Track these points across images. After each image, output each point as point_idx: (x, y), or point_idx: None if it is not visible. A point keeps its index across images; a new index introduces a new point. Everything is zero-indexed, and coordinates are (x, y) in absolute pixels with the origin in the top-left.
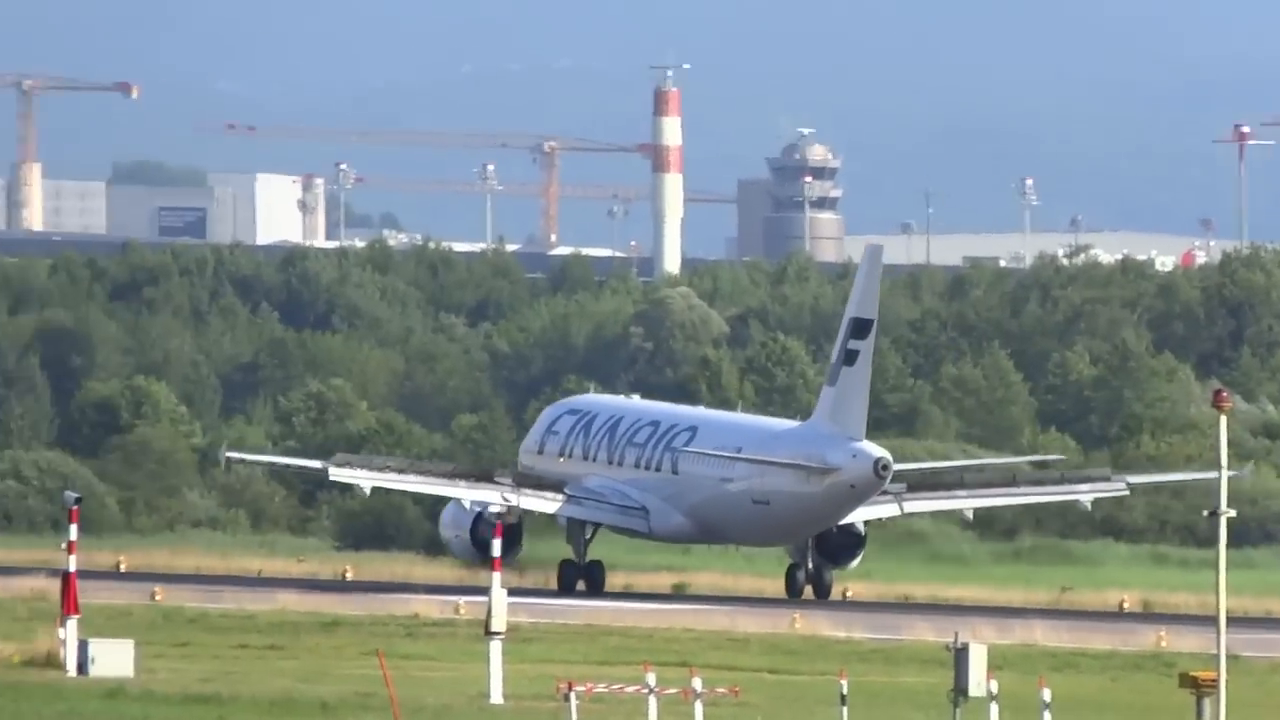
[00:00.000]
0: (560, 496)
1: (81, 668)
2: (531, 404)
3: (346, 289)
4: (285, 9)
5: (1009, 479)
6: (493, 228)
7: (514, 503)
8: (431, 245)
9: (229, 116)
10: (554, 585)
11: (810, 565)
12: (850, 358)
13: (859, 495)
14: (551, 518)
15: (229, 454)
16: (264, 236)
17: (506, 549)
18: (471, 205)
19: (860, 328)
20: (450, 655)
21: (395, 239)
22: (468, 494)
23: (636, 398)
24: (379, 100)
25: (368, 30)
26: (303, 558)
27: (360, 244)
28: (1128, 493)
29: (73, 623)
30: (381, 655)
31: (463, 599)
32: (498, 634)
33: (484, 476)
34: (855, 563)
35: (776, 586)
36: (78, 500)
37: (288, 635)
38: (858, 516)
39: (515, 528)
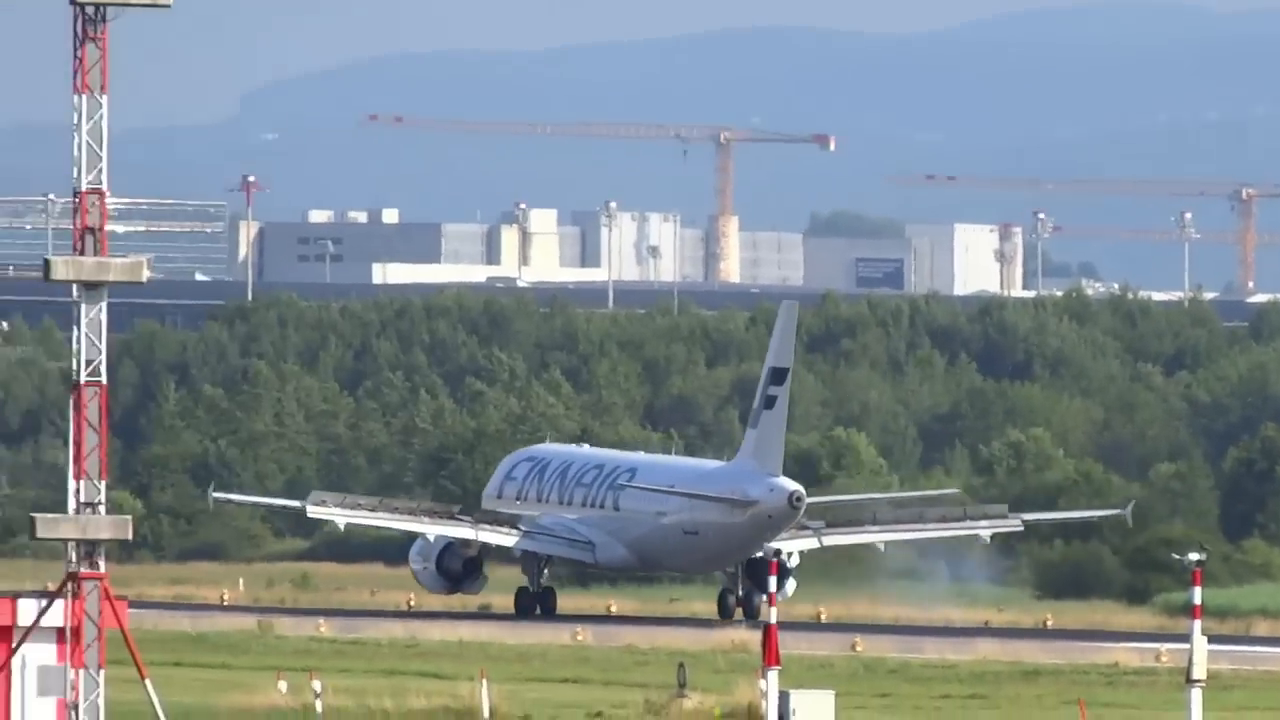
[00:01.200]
0: (516, 532)
1: (783, 719)
2: (1230, 452)
3: (1045, 338)
4: (974, 61)
5: (917, 515)
6: (1190, 276)
7: (474, 538)
8: (1129, 294)
9: (926, 167)
10: (511, 609)
11: (740, 592)
12: (770, 402)
13: (776, 525)
14: (515, 551)
15: (215, 494)
16: (961, 286)
17: (470, 578)
18: (1169, 254)
19: (777, 376)
20: (1150, 704)
21: (1092, 288)
22: (432, 529)
23: (586, 446)
24: (1076, 149)
25: (1041, 81)
26: (1002, 608)
27: (1058, 293)
28: (1021, 528)
29: (773, 674)
30: (1082, 705)
31: (1164, 646)
32: (1199, 682)
33: (446, 514)
34: (785, 593)
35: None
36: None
37: (989, 685)
38: (784, 548)
39: (476, 560)
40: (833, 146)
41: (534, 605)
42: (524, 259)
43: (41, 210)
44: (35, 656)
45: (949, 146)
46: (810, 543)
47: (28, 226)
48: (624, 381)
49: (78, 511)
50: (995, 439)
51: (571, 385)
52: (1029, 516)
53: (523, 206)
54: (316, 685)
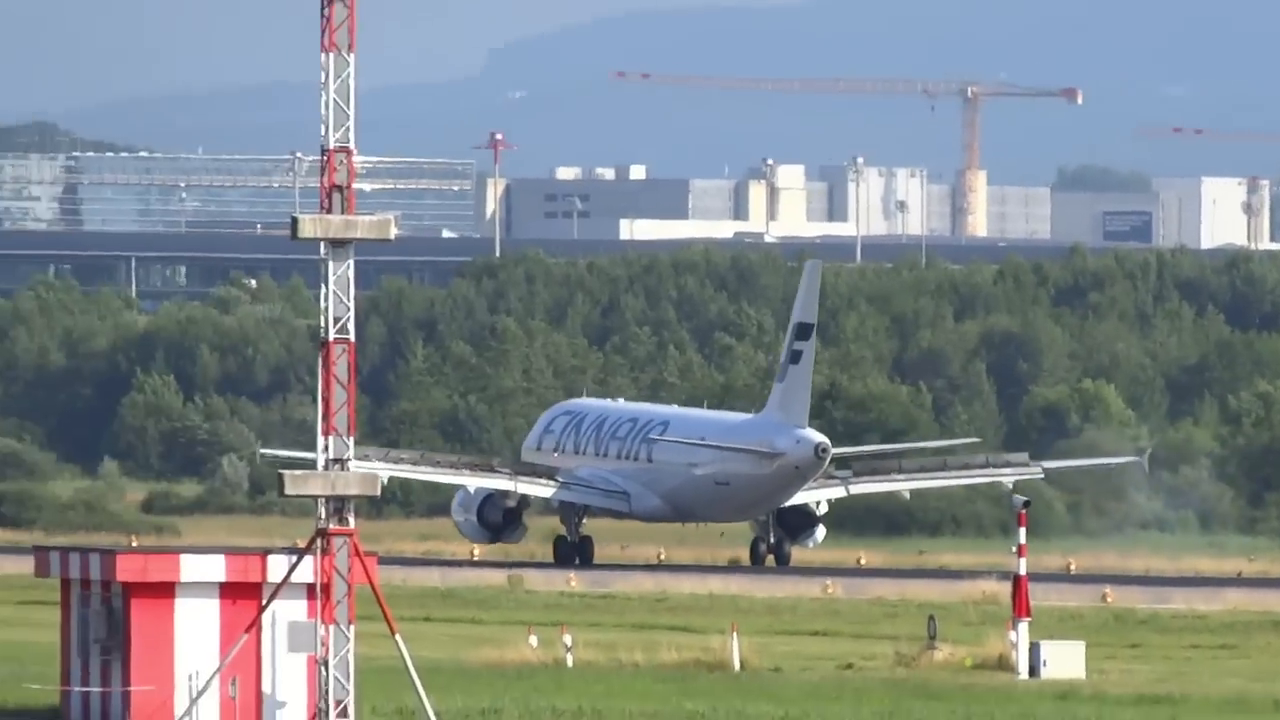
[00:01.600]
0: (554, 483)
1: (1033, 670)
2: None
3: None
4: (1222, 12)
5: (940, 464)
6: None
7: (513, 489)
8: None
9: (1174, 120)
10: (550, 558)
11: (772, 539)
12: (795, 357)
13: (803, 475)
14: (547, 501)
15: (261, 450)
16: (1208, 239)
17: (510, 528)
18: None
19: (803, 331)
20: None
21: None
22: (472, 482)
23: (621, 400)
24: None
25: None
26: (1253, 557)
27: None
28: (1043, 476)
29: (1024, 625)
30: None
31: None
32: None
33: (486, 467)
34: (815, 540)
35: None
36: (1026, 503)
37: (1239, 635)
38: (811, 498)
39: (516, 510)
40: (1080, 100)
41: (573, 555)
42: (771, 214)
43: (289, 169)
44: (286, 613)
45: (1196, 99)
46: (838, 491)
47: (275, 185)
48: (872, 335)
49: (326, 468)
50: (1243, 390)
51: (820, 340)
52: (1049, 464)
53: (770, 162)
54: (567, 639)
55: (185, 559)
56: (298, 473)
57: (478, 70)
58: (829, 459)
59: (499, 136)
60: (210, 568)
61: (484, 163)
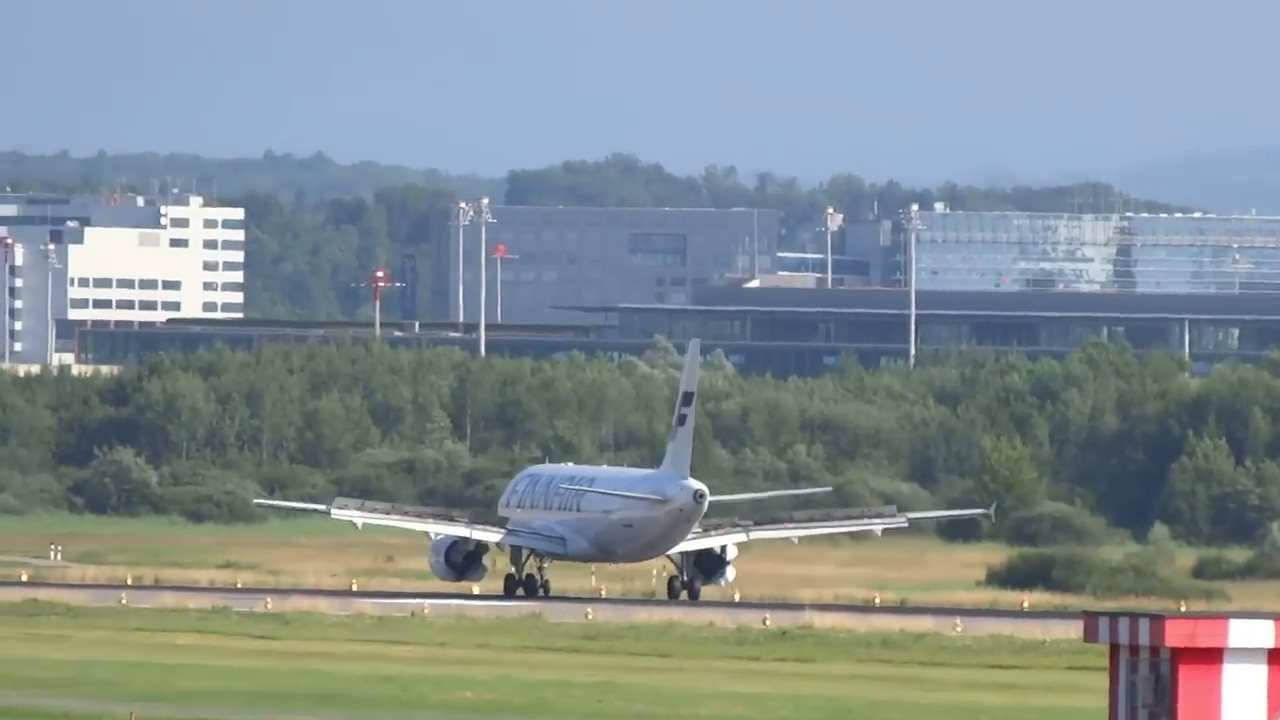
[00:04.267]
0: (501, 530)
1: None
2: None
3: None
4: None
5: (826, 515)
6: None
7: (469, 535)
8: None
9: None
10: (501, 591)
11: (685, 577)
12: (682, 420)
13: (687, 518)
14: (500, 545)
15: (257, 501)
16: None
17: (472, 569)
18: None
19: (687, 399)
20: None
21: None
22: (435, 529)
23: (570, 464)
24: None
25: None
26: None
27: None
28: (906, 525)
29: None
30: None
31: None
32: None
33: (446, 517)
34: (726, 579)
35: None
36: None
37: None
38: (718, 543)
39: (475, 553)
40: None
41: (517, 588)
42: None
43: None
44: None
45: None
46: (739, 537)
47: None
48: None
49: None
50: None
51: None
52: (913, 515)
53: None
54: None
55: (1233, 624)
56: None
57: None
58: (706, 504)
59: None
60: (1259, 634)
61: None
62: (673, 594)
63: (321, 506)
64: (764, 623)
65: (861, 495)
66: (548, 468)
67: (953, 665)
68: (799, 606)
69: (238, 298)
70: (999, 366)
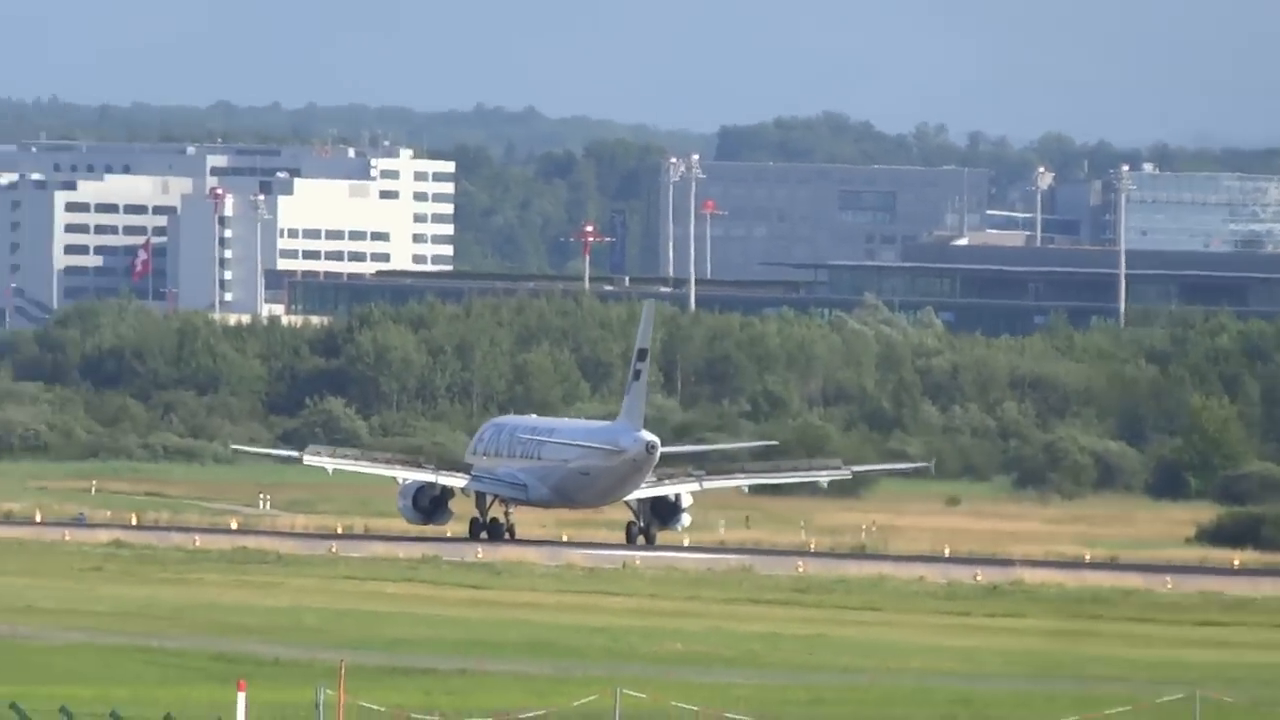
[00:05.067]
0: (466, 476)
1: None
2: None
3: None
4: None
5: (773, 467)
6: None
7: (434, 480)
8: None
9: None
10: (465, 534)
11: (642, 524)
12: (637, 374)
13: (640, 467)
14: (465, 490)
15: (234, 446)
16: None
17: (439, 513)
18: None
19: (641, 355)
20: None
21: None
22: (402, 474)
23: (534, 416)
24: None
25: None
26: None
27: None
28: (850, 476)
29: None
30: None
31: None
32: None
33: (414, 463)
34: (681, 524)
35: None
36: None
37: None
38: (673, 491)
39: (441, 498)
40: None
41: (480, 530)
42: None
43: None
44: None
45: None
46: (693, 486)
47: None
48: None
49: None
50: None
51: None
52: (857, 468)
53: None
54: None
55: None
56: None
57: None
58: (658, 454)
59: None
60: None
61: None
62: (630, 539)
63: (295, 453)
64: (974, 578)
65: (1070, 452)
66: (511, 419)
67: (1162, 621)
68: (1009, 562)
69: (447, 250)
70: (1209, 327)
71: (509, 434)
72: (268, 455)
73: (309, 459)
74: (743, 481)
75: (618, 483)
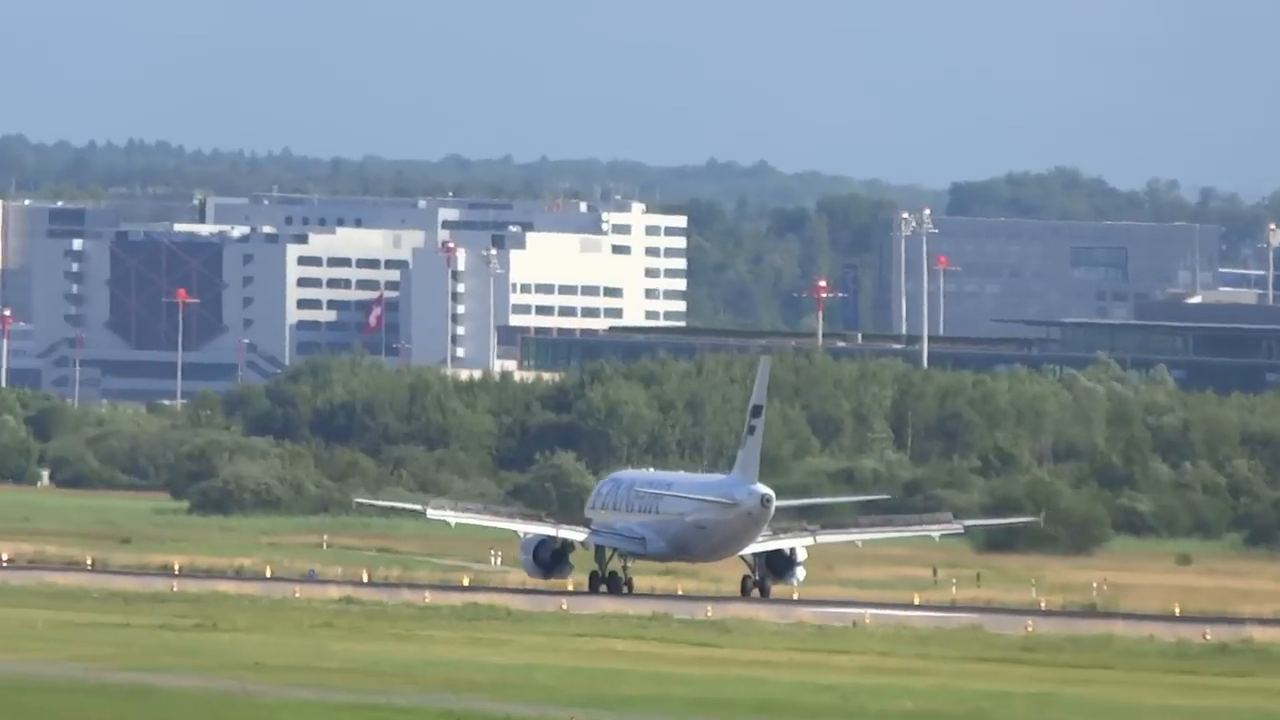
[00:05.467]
0: (585, 530)
1: None
2: None
3: None
4: None
5: (885, 521)
6: None
7: (555, 534)
8: None
9: None
10: (585, 588)
11: (757, 576)
12: (752, 429)
13: (756, 521)
14: (584, 545)
15: (357, 500)
16: None
17: (559, 567)
18: None
19: (756, 411)
20: None
21: None
22: (523, 528)
23: (651, 469)
24: None
25: None
26: None
27: None
28: (962, 531)
29: None
30: None
31: None
32: None
33: (535, 517)
34: (796, 579)
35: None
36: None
37: None
38: (787, 545)
39: (562, 551)
40: None
41: (599, 584)
42: None
43: None
44: None
45: None
46: (807, 540)
47: None
48: None
49: None
50: None
51: None
52: (969, 522)
53: None
54: None
55: None
56: None
57: None
58: (773, 508)
59: None
60: None
61: None
62: (745, 592)
63: (418, 506)
64: (1204, 637)
65: None
66: (630, 473)
67: None
68: (1239, 621)
69: (680, 305)
70: None
71: (627, 488)
72: (391, 508)
73: (433, 513)
74: (857, 536)
75: (733, 536)
